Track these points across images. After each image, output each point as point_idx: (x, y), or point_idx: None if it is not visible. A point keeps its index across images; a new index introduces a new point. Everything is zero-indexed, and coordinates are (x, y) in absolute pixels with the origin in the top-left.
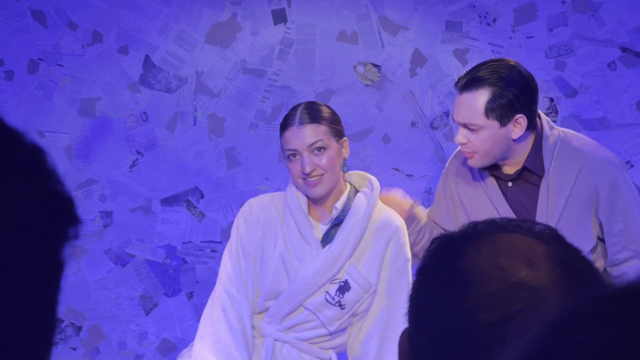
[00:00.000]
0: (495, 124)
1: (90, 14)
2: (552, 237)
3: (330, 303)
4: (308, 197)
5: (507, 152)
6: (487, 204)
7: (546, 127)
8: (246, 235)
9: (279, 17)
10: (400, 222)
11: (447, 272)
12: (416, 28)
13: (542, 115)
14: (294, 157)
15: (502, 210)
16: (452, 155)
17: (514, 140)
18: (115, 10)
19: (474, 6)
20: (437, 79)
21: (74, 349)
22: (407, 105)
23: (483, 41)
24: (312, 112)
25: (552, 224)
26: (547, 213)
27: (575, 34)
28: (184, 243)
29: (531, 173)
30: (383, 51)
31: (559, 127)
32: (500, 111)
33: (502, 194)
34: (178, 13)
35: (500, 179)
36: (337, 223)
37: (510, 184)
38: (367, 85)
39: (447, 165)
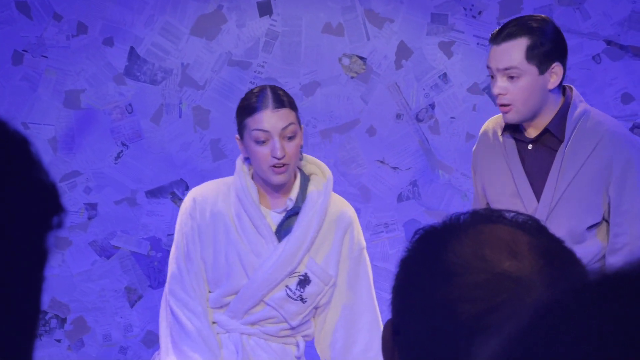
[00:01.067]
0: (535, 70)
1: (75, 6)
2: (535, 228)
3: (291, 298)
4: (260, 185)
5: (541, 106)
6: (504, 166)
7: (576, 98)
8: (191, 233)
9: (265, 9)
10: (352, 211)
11: (431, 263)
12: (401, 20)
13: (574, 88)
14: (264, 141)
15: (515, 172)
16: (480, 133)
17: (549, 91)
18: (100, 1)
19: None
20: (423, 72)
21: (58, 341)
22: (393, 97)
23: (469, 34)
24: (283, 97)
25: (560, 190)
26: (557, 179)
27: (560, 26)
28: (169, 235)
29: (552, 137)
30: (368, 43)
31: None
32: (540, 57)
33: (518, 156)
34: (163, 5)
35: (521, 141)
36: (292, 213)
37: (530, 146)
38: (352, 78)
39: (475, 148)
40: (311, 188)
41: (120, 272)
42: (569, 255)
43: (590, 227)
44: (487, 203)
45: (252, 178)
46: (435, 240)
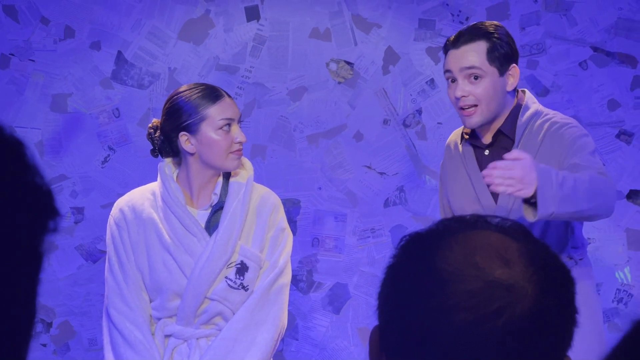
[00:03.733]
0: (496, 72)
1: (63, 9)
2: (521, 233)
3: (233, 287)
4: (185, 186)
5: (501, 108)
6: (463, 174)
7: (529, 100)
8: (121, 244)
9: (252, 14)
10: (276, 199)
11: (421, 270)
12: (389, 26)
13: (527, 91)
14: (228, 127)
15: (474, 178)
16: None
17: (507, 94)
18: (87, 5)
19: (447, 4)
20: (410, 77)
21: (44, 345)
22: (380, 102)
23: None
24: (225, 91)
25: None
26: None
27: (547, 33)
28: None
29: (505, 138)
30: (356, 49)
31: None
32: (500, 59)
33: (476, 163)
34: (151, 9)
35: (479, 148)
36: (217, 208)
37: (487, 152)
38: (339, 83)
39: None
40: (233, 180)
41: None
42: (555, 260)
43: (549, 225)
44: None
45: (178, 181)
46: (423, 247)
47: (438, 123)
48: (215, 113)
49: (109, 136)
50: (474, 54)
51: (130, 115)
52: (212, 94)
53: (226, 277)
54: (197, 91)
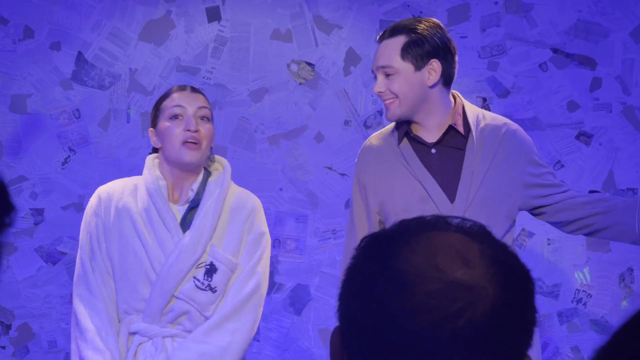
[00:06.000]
0: (410, 67)
1: (22, 9)
2: (482, 234)
3: (200, 288)
4: (167, 180)
5: (423, 102)
6: (406, 174)
7: (466, 101)
8: (95, 232)
9: (213, 15)
10: (255, 201)
11: (382, 271)
12: (350, 27)
13: (460, 95)
14: (178, 117)
15: (422, 177)
16: (358, 154)
17: (430, 88)
18: (47, 6)
19: (408, 6)
20: (371, 78)
21: (3, 347)
22: (341, 103)
23: None
24: (200, 90)
25: (475, 186)
26: (471, 175)
27: (507, 34)
28: None
29: (456, 134)
30: (317, 50)
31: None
32: (415, 53)
33: (421, 163)
34: (111, 10)
35: (421, 146)
36: (193, 206)
37: (433, 150)
38: (300, 84)
39: (356, 167)
40: (211, 180)
41: (67, 278)
42: (515, 260)
43: (506, 221)
44: (380, 221)
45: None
46: (384, 248)
47: None
48: (168, 103)
49: (69, 137)
50: (389, 51)
51: (91, 116)
52: (174, 88)
53: (194, 277)
54: (169, 89)
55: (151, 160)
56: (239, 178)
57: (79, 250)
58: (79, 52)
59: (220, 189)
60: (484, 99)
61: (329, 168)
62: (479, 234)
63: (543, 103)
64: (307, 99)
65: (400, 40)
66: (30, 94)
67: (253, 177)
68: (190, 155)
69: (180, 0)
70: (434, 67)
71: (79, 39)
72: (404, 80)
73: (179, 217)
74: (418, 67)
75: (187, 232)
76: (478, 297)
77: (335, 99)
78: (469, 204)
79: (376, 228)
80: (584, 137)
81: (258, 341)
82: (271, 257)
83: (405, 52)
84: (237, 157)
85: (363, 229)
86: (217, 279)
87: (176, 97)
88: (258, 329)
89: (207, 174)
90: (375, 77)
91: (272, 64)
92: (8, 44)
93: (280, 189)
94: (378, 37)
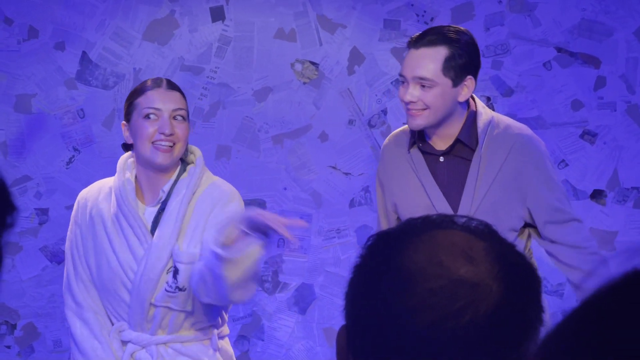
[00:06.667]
0: (449, 82)
1: (26, 10)
2: (487, 233)
3: (170, 292)
4: (140, 180)
5: (449, 116)
6: (414, 180)
7: (479, 106)
8: (74, 239)
9: (217, 14)
10: (226, 190)
11: (386, 270)
12: (354, 26)
13: (476, 97)
14: (152, 117)
15: (428, 185)
16: (381, 149)
17: (458, 104)
18: (51, 6)
19: (412, 5)
20: (375, 77)
21: (8, 347)
22: (345, 103)
23: None
24: (176, 85)
25: (478, 199)
26: (475, 187)
27: (511, 33)
28: None
29: (464, 146)
30: (321, 49)
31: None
32: (456, 70)
33: (429, 170)
34: (115, 9)
35: (430, 154)
36: (164, 207)
37: (442, 159)
38: (304, 83)
39: (379, 162)
40: (181, 178)
41: None
42: (522, 258)
43: (509, 234)
44: (398, 219)
45: (135, 174)
46: (389, 247)
47: (403, 123)
48: (143, 101)
49: (73, 137)
50: (428, 62)
51: (95, 116)
52: (151, 84)
53: (166, 283)
54: (141, 83)
55: (123, 162)
56: (242, 177)
57: (65, 256)
58: (83, 52)
59: (187, 189)
60: (488, 98)
61: (333, 167)
62: (484, 232)
63: (547, 102)
64: (311, 98)
65: (441, 52)
66: (35, 93)
67: (257, 177)
68: (162, 158)
69: (183, 0)
70: (468, 85)
71: (82, 38)
72: (441, 95)
73: (148, 220)
74: (455, 84)
75: (152, 240)
76: (481, 295)
77: (339, 98)
78: (472, 215)
79: (394, 224)
80: (588, 135)
81: (262, 340)
82: (275, 257)
83: (448, 66)
84: (241, 156)
85: (384, 224)
86: (181, 278)
87: (151, 95)
88: (262, 328)
89: (182, 169)
90: (403, 83)
91: (276, 64)
92: (12, 43)
93: (284, 188)
94: (411, 41)
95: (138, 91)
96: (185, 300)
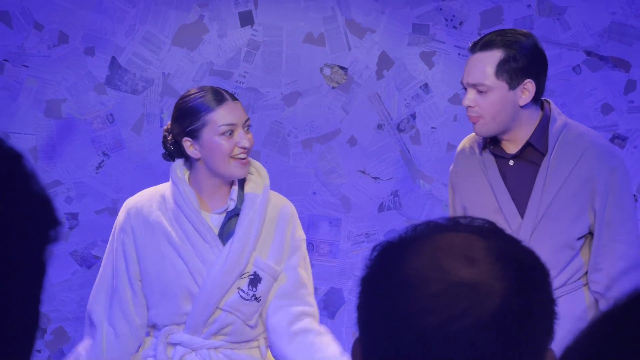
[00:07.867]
0: (505, 86)
1: (56, 15)
2: (490, 230)
3: (245, 299)
4: (198, 189)
5: (513, 120)
6: (484, 183)
7: (554, 111)
8: (121, 249)
9: (246, 19)
10: (291, 206)
11: (389, 278)
12: (383, 30)
13: (551, 102)
14: (230, 134)
15: (496, 188)
16: (456, 153)
17: (521, 108)
18: (81, 11)
19: (441, 9)
20: (404, 82)
21: (39, 351)
22: (374, 107)
23: (449, 44)
24: (235, 97)
25: (544, 204)
26: (542, 192)
27: (540, 37)
28: None
29: (534, 150)
30: (350, 53)
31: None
32: (511, 73)
33: (499, 172)
34: (144, 14)
35: (502, 157)
36: (232, 215)
37: (512, 162)
38: (333, 88)
39: (451, 168)
40: (248, 188)
41: None
42: (527, 254)
43: (575, 242)
44: None
45: (190, 183)
46: (392, 255)
47: (432, 128)
48: (217, 118)
49: (103, 142)
50: (481, 66)
51: (124, 120)
52: (215, 98)
53: (239, 289)
54: (200, 95)
55: (177, 171)
56: (272, 182)
57: (103, 262)
58: (113, 57)
59: (262, 198)
60: None
61: (362, 172)
62: (486, 230)
63: (576, 106)
64: (340, 102)
65: (495, 55)
66: (65, 98)
67: (286, 181)
68: (242, 171)
69: (213, 5)
70: (528, 88)
71: (112, 43)
72: (497, 99)
73: (214, 226)
74: (512, 87)
75: (229, 243)
76: (483, 296)
77: (368, 102)
78: (538, 221)
79: None
80: (618, 140)
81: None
82: None
83: (501, 69)
84: (270, 160)
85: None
86: (261, 288)
87: (222, 111)
88: None
89: (242, 179)
90: (465, 89)
91: (305, 68)
92: (43, 49)
93: (314, 193)
94: (470, 47)
95: (203, 108)
96: (253, 311)
